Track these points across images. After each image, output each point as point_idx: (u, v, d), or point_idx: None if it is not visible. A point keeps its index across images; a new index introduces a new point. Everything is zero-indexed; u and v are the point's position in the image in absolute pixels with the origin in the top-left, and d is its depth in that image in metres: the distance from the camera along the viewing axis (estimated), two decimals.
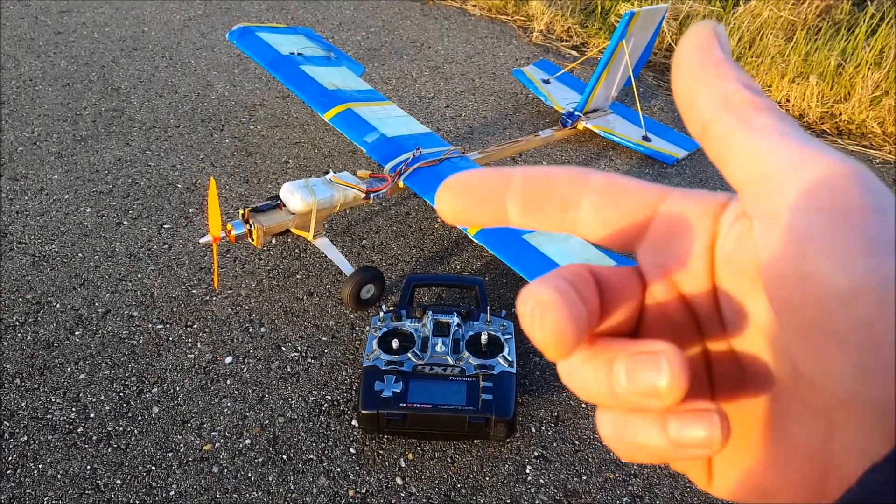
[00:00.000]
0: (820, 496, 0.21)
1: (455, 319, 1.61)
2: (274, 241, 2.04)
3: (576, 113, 2.55)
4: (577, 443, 1.59)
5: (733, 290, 0.22)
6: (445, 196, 0.23)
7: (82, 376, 1.64)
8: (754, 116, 0.20)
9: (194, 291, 1.90)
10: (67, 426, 1.52)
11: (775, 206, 0.19)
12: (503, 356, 1.54)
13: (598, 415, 0.22)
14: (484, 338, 1.57)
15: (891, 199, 0.19)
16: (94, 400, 1.59)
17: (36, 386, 1.61)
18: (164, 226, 2.13)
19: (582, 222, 0.23)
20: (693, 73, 0.21)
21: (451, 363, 1.53)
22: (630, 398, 0.20)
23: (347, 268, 1.84)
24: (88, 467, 1.45)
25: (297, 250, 2.06)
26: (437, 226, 2.22)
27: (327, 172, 1.85)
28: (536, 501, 1.46)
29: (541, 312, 0.20)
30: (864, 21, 3.26)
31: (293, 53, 2.23)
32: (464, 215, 0.23)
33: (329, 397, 1.63)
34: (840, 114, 3.03)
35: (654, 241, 0.23)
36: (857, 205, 0.18)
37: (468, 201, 0.23)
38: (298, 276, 1.97)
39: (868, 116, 2.97)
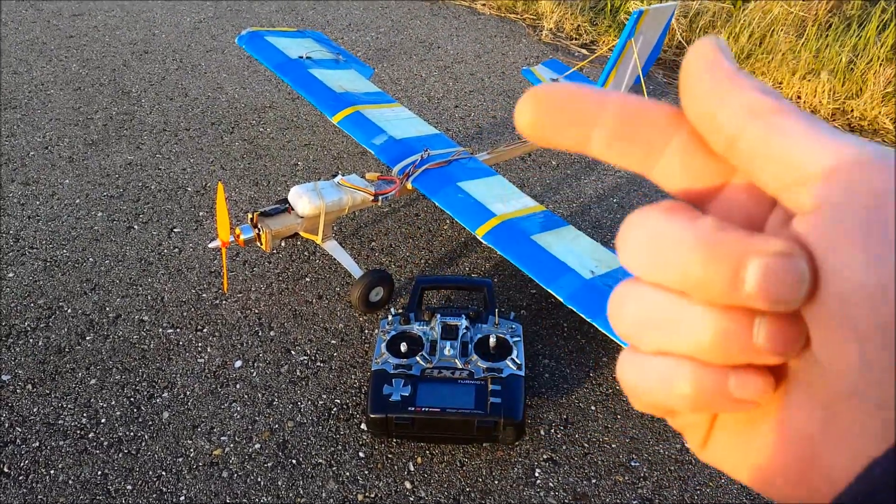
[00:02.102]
0: (799, 486, 0.21)
1: (463, 322, 1.61)
2: (283, 244, 2.04)
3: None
4: (586, 445, 1.58)
5: None
6: (530, 105, 0.22)
7: (93, 381, 1.65)
8: (782, 122, 0.20)
9: (204, 295, 1.91)
10: (79, 432, 1.53)
11: (815, 202, 0.19)
12: (512, 359, 1.54)
13: (633, 358, 0.22)
14: (492, 340, 1.57)
15: None
16: (105, 405, 1.60)
17: (48, 391, 1.62)
18: (175, 230, 2.14)
19: (662, 167, 0.22)
20: (708, 91, 0.21)
21: (460, 366, 1.52)
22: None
23: (356, 270, 1.84)
24: (100, 473, 1.46)
25: (305, 253, 2.06)
26: (445, 227, 2.21)
27: (336, 175, 1.85)
28: None
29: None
30: (876, 16, 3.23)
31: (302, 57, 2.23)
32: (544, 131, 0.22)
33: (338, 401, 1.64)
34: (852, 110, 3.00)
35: (724, 204, 0.22)
36: (893, 201, 0.18)
37: (554, 116, 0.22)
38: (307, 279, 1.98)
39: (880, 112, 2.94)
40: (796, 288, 0.19)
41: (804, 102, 3.06)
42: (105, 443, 1.52)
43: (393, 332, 1.60)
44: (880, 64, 2.98)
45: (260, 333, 1.80)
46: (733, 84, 0.20)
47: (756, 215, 0.22)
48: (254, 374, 1.69)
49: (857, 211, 0.18)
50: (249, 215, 1.73)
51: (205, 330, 1.80)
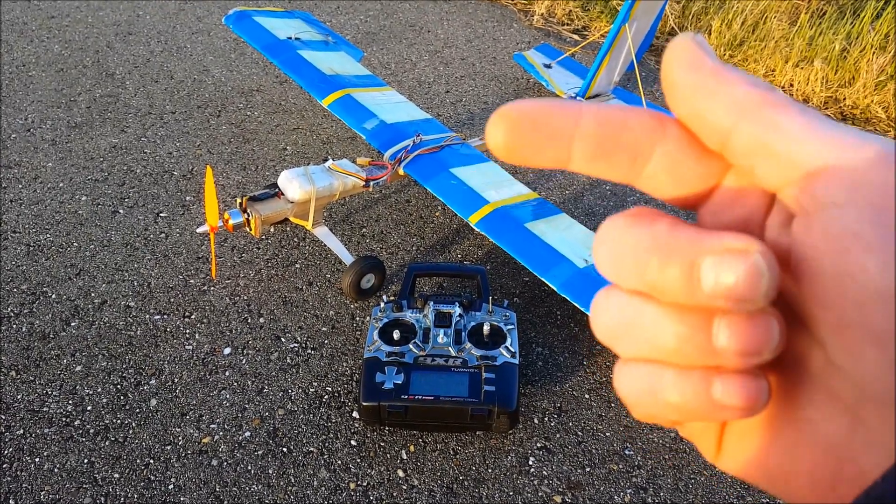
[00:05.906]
0: (828, 490, 0.20)
1: (457, 310, 1.59)
2: (273, 230, 2.01)
3: (578, 98, 2.52)
4: (580, 434, 1.57)
5: None
6: (502, 127, 0.21)
7: (79, 368, 1.62)
8: (776, 116, 0.19)
9: (192, 281, 1.87)
10: (64, 419, 1.50)
11: (817, 202, 0.18)
12: (505, 347, 1.52)
13: (623, 368, 0.21)
14: (486, 328, 1.55)
15: None
16: (91, 392, 1.56)
17: (32, 378, 1.58)
18: (161, 214, 2.10)
19: (649, 175, 0.21)
20: (694, 90, 0.20)
21: (453, 354, 1.51)
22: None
23: (347, 257, 1.81)
24: (86, 461, 1.43)
25: (295, 239, 2.03)
26: (437, 214, 2.19)
27: (326, 160, 1.82)
28: (539, 493, 1.45)
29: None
30: (870, 4, 3.22)
31: (291, 38, 2.19)
32: (520, 152, 0.21)
33: (329, 389, 1.61)
34: (844, 98, 3.00)
35: (717, 207, 0.22)
36: None
37: (529, 135, 0.21)
38: (297, 266, 1.95)
39: (872, 101, 2.94)
40: (755, 285, 0.18)
41: (797, 90, 3.05)
42: (91, 430, 1.49)
43: (385, 320, 1.57)
44: (873, 52, 2.98)
45: (249, 320, 1.77)
46: (719, 80, 0.19)
47: (752, 217, 0.21)
48: (243, 362, 1.66)
49: (864, 210, 0.17)
50: (238, 200, 1.70)
51: (193, 316, 1.77)
